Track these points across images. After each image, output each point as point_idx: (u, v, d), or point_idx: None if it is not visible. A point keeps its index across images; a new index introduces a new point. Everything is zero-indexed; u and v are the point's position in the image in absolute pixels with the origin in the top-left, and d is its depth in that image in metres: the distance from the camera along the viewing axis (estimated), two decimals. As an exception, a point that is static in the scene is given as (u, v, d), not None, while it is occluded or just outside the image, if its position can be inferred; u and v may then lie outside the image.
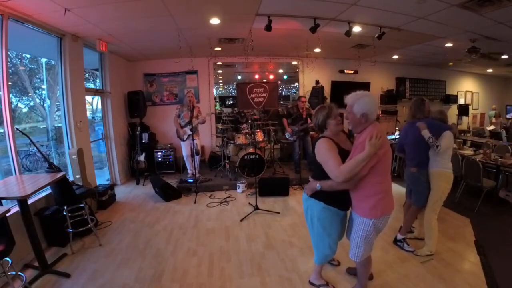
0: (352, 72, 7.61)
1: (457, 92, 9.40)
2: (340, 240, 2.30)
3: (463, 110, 8.98)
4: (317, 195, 2.11)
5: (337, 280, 2.54)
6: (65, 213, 3.07)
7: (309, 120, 5.52)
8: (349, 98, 1.98)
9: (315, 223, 2.19)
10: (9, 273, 2.14)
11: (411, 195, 3.06)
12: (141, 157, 5.74)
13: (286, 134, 5.92)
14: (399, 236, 3.08)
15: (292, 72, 7.60)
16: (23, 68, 5.13)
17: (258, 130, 5.65)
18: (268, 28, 3.94)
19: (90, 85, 5.55)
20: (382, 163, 1.88)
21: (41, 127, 5.62)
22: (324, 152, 1.97)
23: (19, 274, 2.45)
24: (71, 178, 4.05)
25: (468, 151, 5.04)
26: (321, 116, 2.09)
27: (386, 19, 4.11)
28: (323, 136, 2.08)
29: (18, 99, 5.31)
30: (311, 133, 5.75)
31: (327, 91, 7.26)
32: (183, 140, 5.33)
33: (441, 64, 7.98)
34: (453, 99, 9.11)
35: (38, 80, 5.43)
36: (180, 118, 5.31)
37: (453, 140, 2.66)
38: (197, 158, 5.26)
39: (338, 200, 2.07)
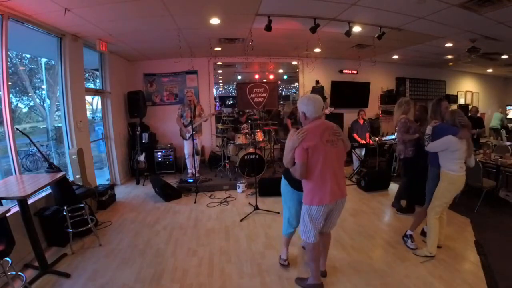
0: (352, 72, 7.62)
1: (457, 92, 9.40)
2: None
3: (463, 110, 8.96)
4: (284, 173, 2.56)
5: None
6: (65, 213, 3.07)
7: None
8: (298, 100, 2.32)
9: (282, 196, 2.62)
10: (9, 273, 2.13)
11: None
12: (141, 157, 5.73)
13: None
14: (408, 232, 3.11)
15: (292, 72, 7.59)
16: (23, 68, 5.13)
17: (258, 130, 5.65)
18: (268, 28, 3.94)
19: (90, 85, 5.55)
20: (309, 158, 2.08)
21: (41, 127, 5.62)
22: (288, 140, 2.26)
23: (19, 274, 2.45)
24: (71, 178, 4.05)
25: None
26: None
27: (386, 19, 4.11)
28: (298, 127, 2.34)
29: (18, 99, 5.31)
30: None
31: (327, 91, 7.24)
32: (186, 139, 5.36)
33: (441, 64, 7.97)
34: (453, 99, 9.10)
35: (38, 80, 5.42)
36: (182, 118, 5.34)
37: (457, 144, 2.64)
38: (196, 158, 5.26)
39: (293, 181, 2.39)
